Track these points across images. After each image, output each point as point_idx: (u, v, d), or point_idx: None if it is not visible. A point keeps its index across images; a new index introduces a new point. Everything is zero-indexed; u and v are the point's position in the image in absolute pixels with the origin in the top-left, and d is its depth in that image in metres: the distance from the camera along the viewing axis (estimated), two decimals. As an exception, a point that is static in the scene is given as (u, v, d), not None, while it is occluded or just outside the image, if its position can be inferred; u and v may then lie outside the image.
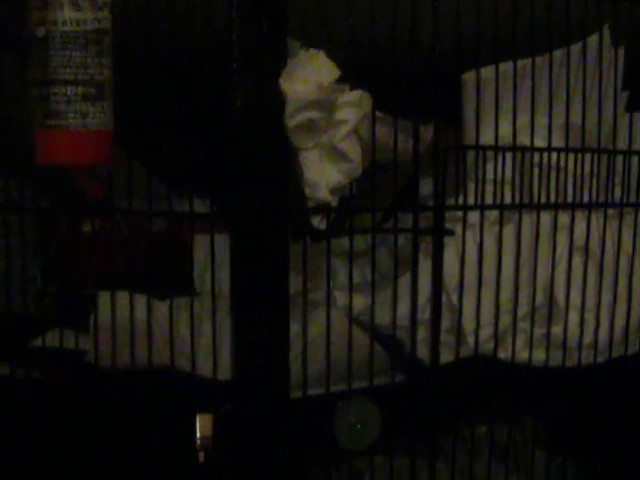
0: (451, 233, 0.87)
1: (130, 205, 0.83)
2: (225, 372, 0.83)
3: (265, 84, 0.76)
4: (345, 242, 0.91)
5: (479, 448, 0.99)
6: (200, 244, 0.94)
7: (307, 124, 0.77)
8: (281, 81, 0.76)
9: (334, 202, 0.82)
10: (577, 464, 1.07)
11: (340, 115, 0.78)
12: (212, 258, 0.81)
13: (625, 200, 0.99)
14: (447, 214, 0.91)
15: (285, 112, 0.76)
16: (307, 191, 0.80)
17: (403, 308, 0.88)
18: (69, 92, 0.82)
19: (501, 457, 1.01)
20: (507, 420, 1.01)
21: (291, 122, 0.76)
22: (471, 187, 0.91)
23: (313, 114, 0.76)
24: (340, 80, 0.81)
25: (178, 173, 0.92)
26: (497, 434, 1.00)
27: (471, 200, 0.91)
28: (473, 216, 0.92)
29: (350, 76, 0.83)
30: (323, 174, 0.79)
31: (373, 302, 0.85)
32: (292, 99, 0.75)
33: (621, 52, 0.99)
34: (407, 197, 0.95)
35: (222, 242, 0.82)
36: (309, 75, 0.76)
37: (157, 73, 0.81)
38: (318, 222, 0.82)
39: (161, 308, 0.87)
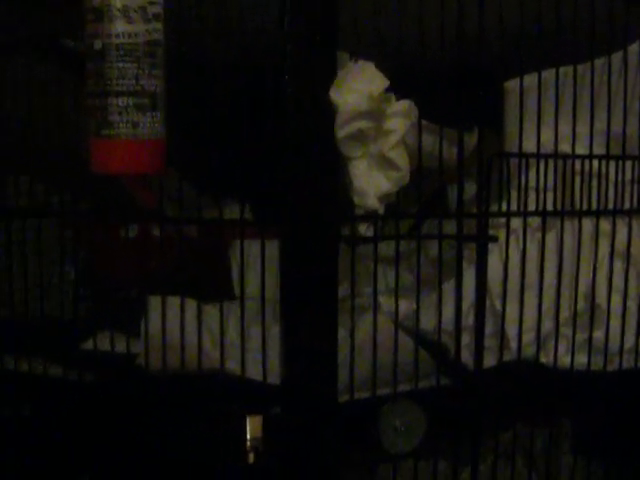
0: (494, 240, 0.88)
1: (180, 213, 0.85)
2: (274, 376, 0.85)
3: (316, 95, 0.77)
4: (383, 248, 0.92)
5: (517, 452, 1.00)
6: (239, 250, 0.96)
7: (357, 134, 0.78)
8: (331, 92, 0.78)
9: (381, 210, 0.84)
10: (616, 471, 1.08)
11: (389, 125, 0.80)
12: (262, 264, 0.83)
13: (665, 206, 1.00)
14: (490, 221, 0.92)
15: (336, 122, 0.78)
16: (356, 199, 0.82)
17: (447, 313, 0.90)
18: (123, 103, 0.84)
19: (536, 462, 1.03)
20: (546, 424, 1.02)
21: (341, 132, 0.78)
22: (514, 194, 0.93)
23: (363, 124, 0.78)
24: (387, 90, 0.83)
25: (228, 181, 0.94)
26: (535, 438, 1.01)
27: (514, 207, 0.92)
28: (516, 223, 0.93)
29: (396, 86, 0.85)
30: (372, 182, 0.81)
31: (418, 307, 0.87)
32: (343, 110, 0.77)
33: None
34: (444, 203, 0.97)
35: (258, 247, 0.84)
36: (359, 86, 0.78)
37: (211, 82, 0.83)
38: (365, 229, 0.84)
39: (210, 312, 0.89)
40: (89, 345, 0.96)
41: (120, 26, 0.85)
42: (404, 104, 0.81)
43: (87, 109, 0.83)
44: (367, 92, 0.78)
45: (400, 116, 0.81)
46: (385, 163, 0.81)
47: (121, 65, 0.85)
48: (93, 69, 0.83)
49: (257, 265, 0.85)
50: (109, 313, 1.01)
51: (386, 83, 0.80)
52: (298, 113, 0.78)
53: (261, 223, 0.84)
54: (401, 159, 0.80)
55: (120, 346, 0.94)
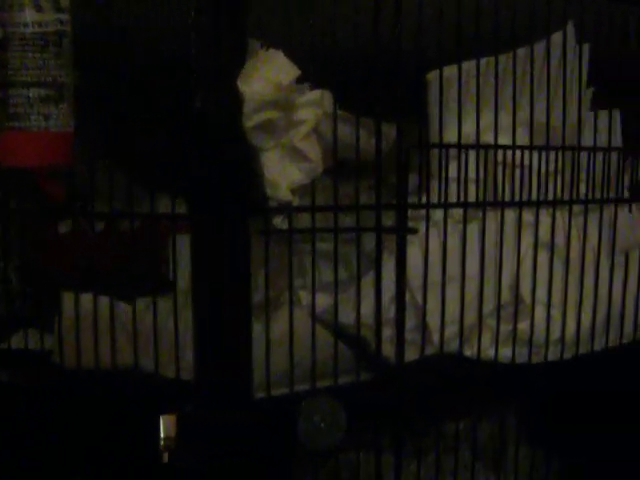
0: (414, 231, 0.87)
1: (110, 206, 0.83)
2: (188, 372, 0.83)
3: (223, 84, 0.75)
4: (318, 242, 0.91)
5: (458, 446, 0.99)
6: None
7: (266, 124, 0.77)
8: (239, 81, 0.76)
9: (295, 201, 0.82)
10: (559, 461, 1.08)
11: (299, 115, 0.78)
12: (173, 257, 0.81)
13: (590, 197, 1.00)
14: (412, 213, 0.91)
15: (243, 112, 0.76)
16: (268, 191, 0.80)
17: (368, 307, 0.88)
18: (29, 94, 0.81)
19: (479, 455, 1.02)
20: (483, 417, 1.01)
21: (249, 122, 0.76)
22: (435, 185, 0.91)
23: (271, 114, 0.76)
24: (301, 80, 0.81)
25: (149, 174, 0.91)
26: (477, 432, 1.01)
27: (435, 198, 0.91)
28: (438, 214, 0.92)
29: (312, 76, 0.83)
30: (283, 174, 0.79)
31: (336, 301, 0.85)
32: (250, 99, 0.75)
33: (586, 49, 1.00)
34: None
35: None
36: (268, 75, 0.76)
37: (119, 74, 0.81)
38: (280, 222, 0.82)
39: (126, 309, 0.87)
40: (4, 344, 0.93)
41: (29, 15, 0.82)
42: (315, 94, 0.80)
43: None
44: (275, 81, 0.76)
45: (311, 106, 0.79)
46: (296, 154, 0.79)
47: (27, 55, 0.82)
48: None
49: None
50: (25, 310, 0.99)
51: (296, 72, 0.79)
52: (204, 102, 0.76)
53: (172, 217, 0.81)
54: (312, 150, 0.79)
55: (36, 343, 0.92)
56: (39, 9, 0.82)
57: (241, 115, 0.76)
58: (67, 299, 0.87)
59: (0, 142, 0.83)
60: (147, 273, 0.99)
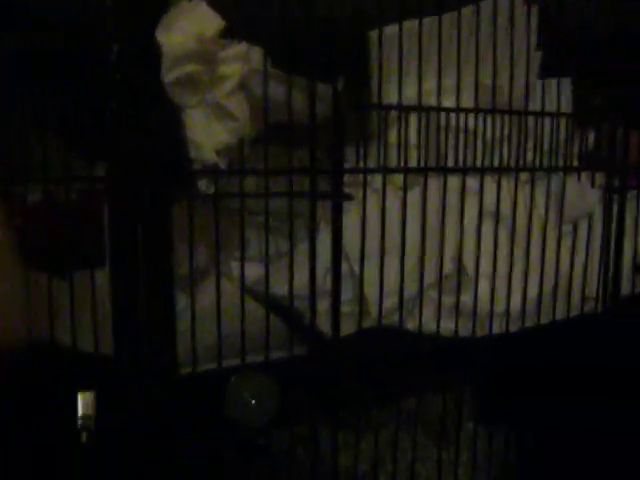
0: (350, 197, 0.82)
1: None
2: (108, 346, 0.77)
3: (141, 35, 0.70)
4: (255, 209, 0.86)
5: (399, 421, 0.95)
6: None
7: (187, 79, 0.71)
8: (158, 32, 0.70)
9: (222, 164, 0.76)
10: (504, 434, 1.04)
11: (224, 70, 0.73)
12: (111, 225, 0.75)
13: (537, 164, 0.96)
14: (350, 179, 0.86)
15: (162, 65, 0.70)
16: (192, 152, 0.75)
17: (302, 278, 0.83)
18: None
19: (423, 430, 0.98)
20: (426, 392, 0.98)
21: (169, 76, 0.70)
22: (374, 150, 0.87)
23: (192, 68, 0.70)
24: (227, 34, 0.76)
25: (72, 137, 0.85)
26: (425, 406, 0.97)
27: (374, 163, 0.87)
28: (377, 181, 0.87)
29: (239, 30, 0.77)
30: (208, 134, 0.74)
31: (267, 271, 0.80)
32: (169, 51, 0.69)
33: (535, 10, 0.95)
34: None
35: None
36: (189, 26, 0.71)
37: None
38: (205, 185, 0.77)
39: (43, 281, 0.81)
40: None
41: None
42: (241, 47, 0.74)
43: None
44: (197, 33, 0.70)
45: (237, 60, 0.73)
46: (221, 112, 0.74)
47: None
48: None
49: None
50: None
51: (221, 24, 0.73)
52: (122, 55, 0.70)
53: (90, 179, 0.75)
54: (239, 108, 0.73)
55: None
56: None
57: (160, 69, 0.70)
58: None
59: None
60: (85, 246, 0.93)
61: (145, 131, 0.72)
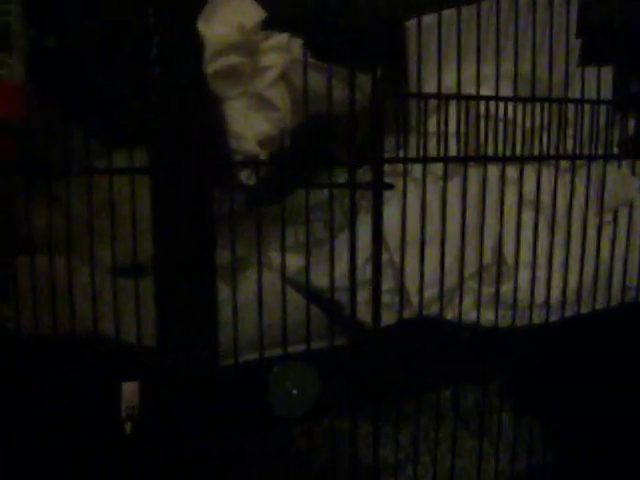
0: (390, 187, 0.82)
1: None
2: (151, 338, 0.78)
3: (182, 26, 0.70)
4: (295, 200, 0.86)
5: (440, 412, 0.95)
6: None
7: (229, 70, 0.71)
8: (200, 23, 0.70)
9: (264, 155, 0.77)
10: (543, 426, 1.04)
11: (264, 61, 0.73)
12: (133, 216, 0.75)
13: (577, 152, 0.95)
14: (390, 169, 0.86)
15: (204, 57, 0.70)
16: (233, 143, 0.75)
17: (342, 268, 0.83)
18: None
19: (463, 421, 0.98)
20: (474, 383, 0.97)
21: (210, 68, 0.70)
22: (414, 140, 0.86)
23: (234, 59, 0.70)
24: (268, 25, 0.76)
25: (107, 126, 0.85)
26: (462, 398, 0.97)
27: (414, 153, 0.86)
28: (417, 170, 0.87)
29: (280, 20, 0.77)
30: (249, 125, 0.74)
31: (308, 262, 0.80)
32: (211, 43, 0.70)
33: (574, -2, 0.94)
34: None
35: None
36: (230, 17, 0.71)
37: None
38: (246, 177, 0.77)
39: (84, 272, 0.82)
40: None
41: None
42: (282, 38, 0.74)
43: None
44: (239, 23, 0.70)
45: (278, 51, 0.73)
46: (262, 103, 0.74)
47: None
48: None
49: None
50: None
51: (262, 14, 0.73)
52: (164, 46, 0.70)
53: (130, 171, 0.75)
54: (279, 98, 0.73)
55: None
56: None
57: (202, 60, 0.70)
58: (22, 262, 0.82)
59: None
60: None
61: (186, 123, 0.72)
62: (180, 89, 0.70)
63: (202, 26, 0.69)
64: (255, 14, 0.71)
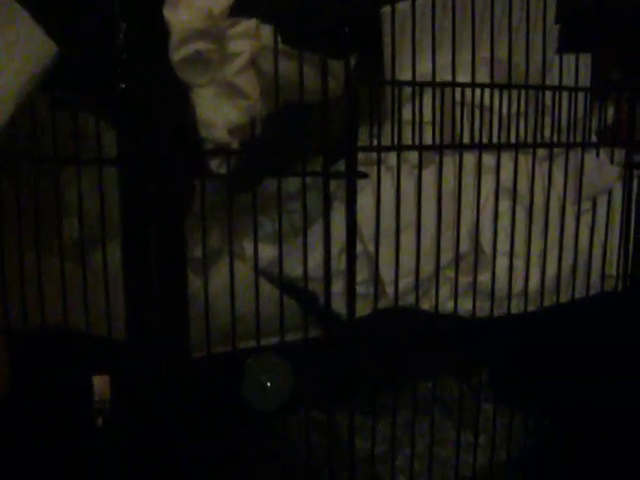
0: (364, 176, 0.80)
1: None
2: (121, 331, 0.76)
3: (147, 12, 0.68)
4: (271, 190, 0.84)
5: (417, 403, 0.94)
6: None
7: (196, 57, 0.70)
8: (165, 9, 0.69)
9: (234, 144, 0.75)
10: (523, 416, 1.03)
11: (233, 47, 0.71)
12: (101, 206, 0.74)
13: (555, 140, 0.94)
14: (364, 157, 0.85)
15: (170, 43, 0.69)
16: (203, 132, 0.74)
17: (317, 259, 0.82)
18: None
19: (447, 412, 0.97)
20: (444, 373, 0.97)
21: (177, 55, 0.69)
22: (388, 128, 0.85)
23: (201, 45, 0.69)
24: (238, 12, 0.74)
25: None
26: (442, 388, 0.96)
27: (388, 141, 0.85)
28: (391, 159, 0.86)
29: (252, 8, 0.76)
30: (219, 113, 0.73)
31: (281, 252, 0.79)
32: (177, 29, 0.68)
33: (551, -18, 0.93)
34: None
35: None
36: (196, 3, 0.69)
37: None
38: (217, 166, 0.76)
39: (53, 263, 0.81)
40: None
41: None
42: (250, 24, 0.73)
43: None
44: (206, 9, 0.69)
45: (246, 37, 0.72)
46: (232, 91, 0.72)
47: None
48: None
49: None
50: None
51: (229, 0, 0.71)
52: (129, 34, 0.68)
53: (98, 161, 0.74)
54: (249, 85, 0.72)
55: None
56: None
57: (167, 47, 0.68)
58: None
59: None
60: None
61: (154, 112, 0.70)
62: (147, 77, 0.68)
63: (168, 12, 0.67)
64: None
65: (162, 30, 0.67)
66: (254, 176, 0.77)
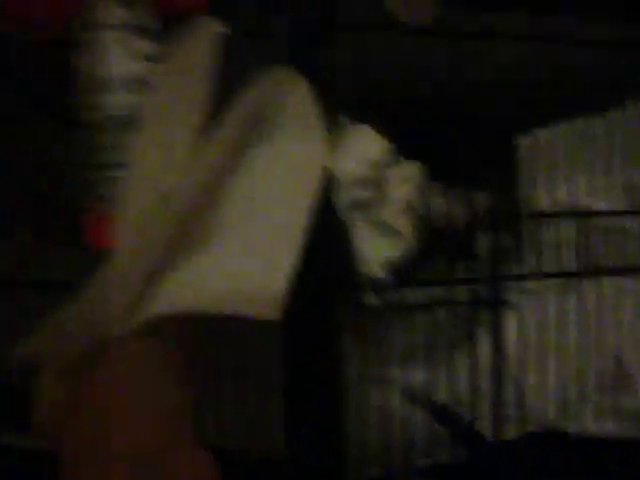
0: (507, 304, 0.84)
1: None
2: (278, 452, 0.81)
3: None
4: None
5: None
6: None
7: (357, 202, 0.75)
8: (330, 158, 0.75)
9: (387, 277, 0.80)
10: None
11: (391, 191, 0.77)
12: (284, 339, 0.80)
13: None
14: (507, 283, 0.88)
15: (334, 190, 0.75)
16: (359, 267, 0.79)
17: (463, 382, 0.85)
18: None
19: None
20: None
21: (340, 200, 0.75)
22: (530, 255, 0.89)
23: (363, 192, 0.75)
24: (391, 151, 0.80)
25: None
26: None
27: (528, 267, 0.88)
28: (533, 284, 0.89)
29: (402, 146, 0.82)
30: (374, 249, 0.78)
31: (431, 377, 0.83)
32: (340, 177, 0.74)
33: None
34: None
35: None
36: (357, 151, 0.75)
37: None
38: (371, 298, 0.80)
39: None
40: None
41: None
42: (406, 168, 0.78)
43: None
44: (365, 158, 0.75)
45: (402, 181, 0.77)
46: (388, 230, 0.78)
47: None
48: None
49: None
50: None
51: (386, 146, 0.77)
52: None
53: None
54: (404, 226, 0.77)
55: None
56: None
57: (331, 192, 0.75)
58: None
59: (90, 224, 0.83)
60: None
61: (315, 250, 0.76)
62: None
63: (332, 161, 0.74)
64: (379, 146, 0.75)
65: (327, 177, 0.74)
66: (404, 307, 0.81)
